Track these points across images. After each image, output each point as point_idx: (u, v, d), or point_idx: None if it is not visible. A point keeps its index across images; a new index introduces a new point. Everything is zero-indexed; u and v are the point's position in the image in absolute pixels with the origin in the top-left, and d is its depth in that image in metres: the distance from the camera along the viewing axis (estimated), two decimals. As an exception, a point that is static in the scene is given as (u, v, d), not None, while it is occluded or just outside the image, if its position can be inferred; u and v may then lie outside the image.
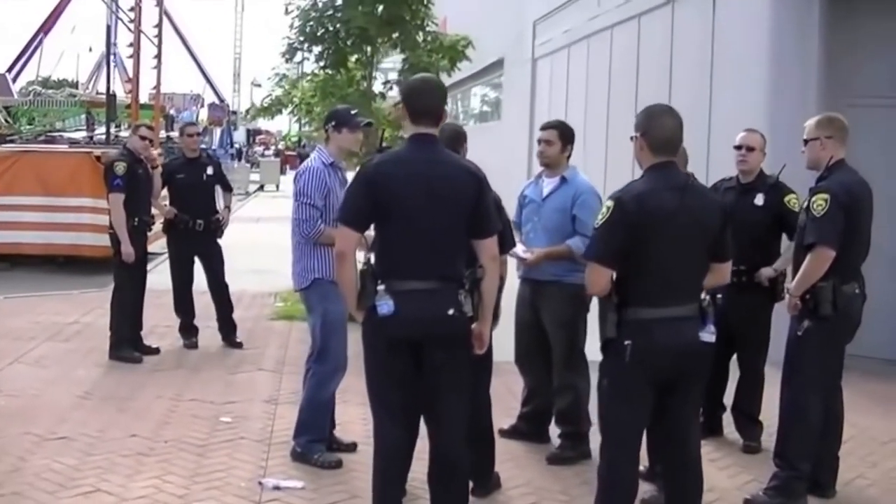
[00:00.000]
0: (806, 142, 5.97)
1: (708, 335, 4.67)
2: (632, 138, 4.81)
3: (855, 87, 9.80)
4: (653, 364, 4.55)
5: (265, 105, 13.43)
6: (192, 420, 7.27)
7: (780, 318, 7.14)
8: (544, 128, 6.85)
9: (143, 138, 9.35)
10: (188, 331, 9.91)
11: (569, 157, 6.76)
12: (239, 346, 9.88)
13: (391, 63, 14.31)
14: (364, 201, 4.73)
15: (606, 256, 4.56)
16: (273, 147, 68.91)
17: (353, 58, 12.49)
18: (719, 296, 4.98)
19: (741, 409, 7.07)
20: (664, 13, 13.20)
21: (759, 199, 6.87)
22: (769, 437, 6.93)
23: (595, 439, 6.56)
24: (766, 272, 6.76)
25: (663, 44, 13.20)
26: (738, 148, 6.99)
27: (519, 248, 6.42)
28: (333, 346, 6.36)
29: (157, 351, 9.40)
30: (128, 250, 8.98)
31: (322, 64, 12.52)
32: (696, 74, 12.03)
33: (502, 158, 19.80)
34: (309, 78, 12.83)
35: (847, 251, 5.70)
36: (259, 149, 65.33)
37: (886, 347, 8.22)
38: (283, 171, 45.14)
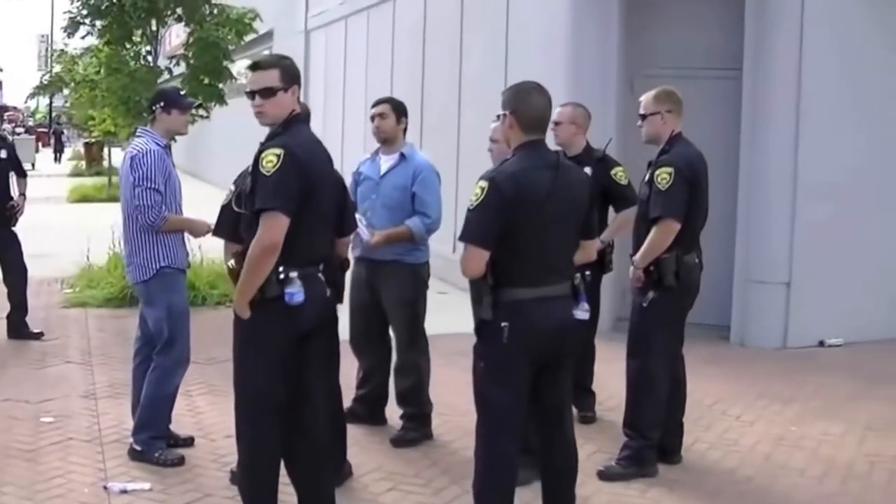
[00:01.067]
0: (644, 116, 6.07)
1: (582, 313, 4.69)
2: (498, 116, 4.75)
3: (651, 59, 10.10)
4: (530, 344, 4.52)
5: (45, 83, 12.72)
6: (11, 423, 6.80)
7: (606, 290, 7.38)
8: (375, 104, 6.72)
9: None
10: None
11: (405, 130, 6.66)
12: (38, 336, 9.32)
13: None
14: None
15: (483, 238, 4.48)
16: (21, 124, 65.73)
17: (139, 32, 11.96)
18: (588, 273, 5.02)
19: (575, 380, 7.13)
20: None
21: (588, 173, 6.93)
22: (600, 406, 7.13)
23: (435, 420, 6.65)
24: (595, 244, 6.84)
25: (452, 14, 13.24)
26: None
27: (362, 230, 6.28)
28: (180, 337, 6.07)
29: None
30: None
31: (106, 38, 11.92)
32: (490, 46, 12.14)
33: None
34: (92, 54, 12.17)
35: (688, 223, 5.85)
36: (8, 126, 62.22)
37: (705, 313, 8.51)
38: (36, 149, 43.14)
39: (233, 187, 5.82)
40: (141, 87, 11.46)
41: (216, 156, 29.94)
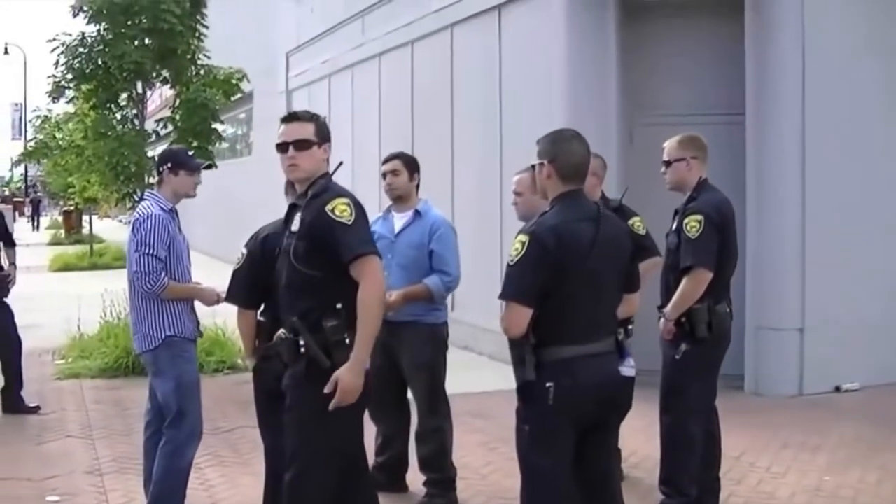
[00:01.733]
0: (668, 163, 5.92)
1: (628, 369, 4.48)
2: (533, 167, 4.56)
3: (650, 107, 10.00)
4: (576, 404, 4.30)
5: (30, 149, 12.49)
6: (16, 503, 6.51)
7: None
8: (386, 160, 6.52)
9: None
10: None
11: (417, 186, 6.47)
12: (34, 410, 9.02)
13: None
14: None
15: (526, 295, 4.27)
16: (-4, 193, 65.39)
17: (124, 95, 11.77)
18: (630, 327, 4.83)
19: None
20: (442, 38, 13.13)
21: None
22: (625, 464, 6.90)
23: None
24: (637, 297, 6.65)
25: (441, 71, 13.14)
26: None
27: None
28: (191, 410, 5.79)
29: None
30: None
31: (92, 102, 11.73)
32: (483, 102, 12.03)
33: (259, 193, 19.11)
34: (78, 119, 11.97)
35: (719, 271, 5.70)
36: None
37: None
38: (14, 219, 42.76)
39: (244, 251, 5.63)
40: (129, 151, 11.26)
41: (196, 222, 29.69)
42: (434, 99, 13.50)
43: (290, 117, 4.70)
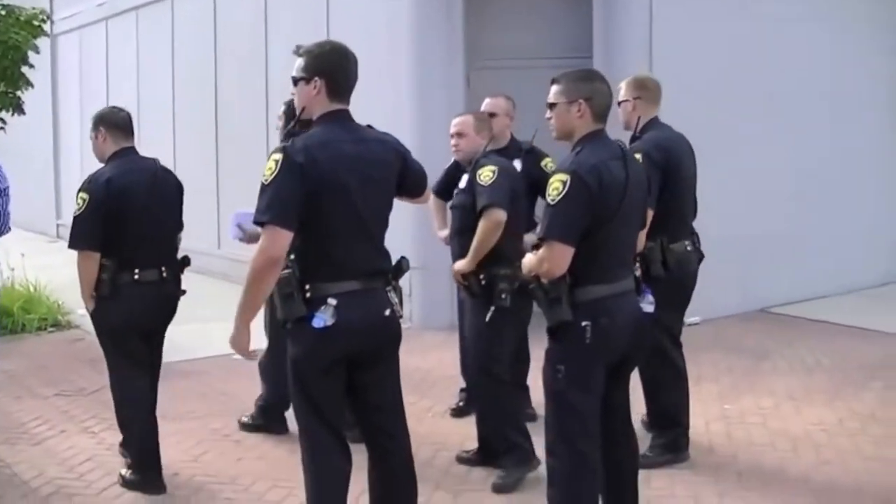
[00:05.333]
0: (619, 103, 6.00)
1: (648, 305, 4.55)
2: (552, 105, 4.48)
3: (487, 53, 10.11)
4: (610, 342, 4.33)
5: None
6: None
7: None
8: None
9: None
10: None
11: None
12: None
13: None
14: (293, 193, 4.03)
15: (569, 234, 4.22)
16: None
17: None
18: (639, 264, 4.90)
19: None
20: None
21: (517, 166, 6.81)
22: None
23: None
24: (530, 238, 6.70)
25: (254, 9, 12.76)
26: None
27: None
28: None
29: None
30: None
31: None
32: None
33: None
34: None
35: (668, 209, 5.78)
36: None
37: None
38: None
39: (85, 196, 5.51)
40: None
41: None
42: (242, 39, 13.08)
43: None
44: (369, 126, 4.32)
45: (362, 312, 4.12)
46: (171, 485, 5.79)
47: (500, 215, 5.66)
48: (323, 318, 4.05)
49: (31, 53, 11.16)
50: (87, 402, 7.44)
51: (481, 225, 5.68)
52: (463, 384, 6.96)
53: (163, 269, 5.69)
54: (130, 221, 5.56)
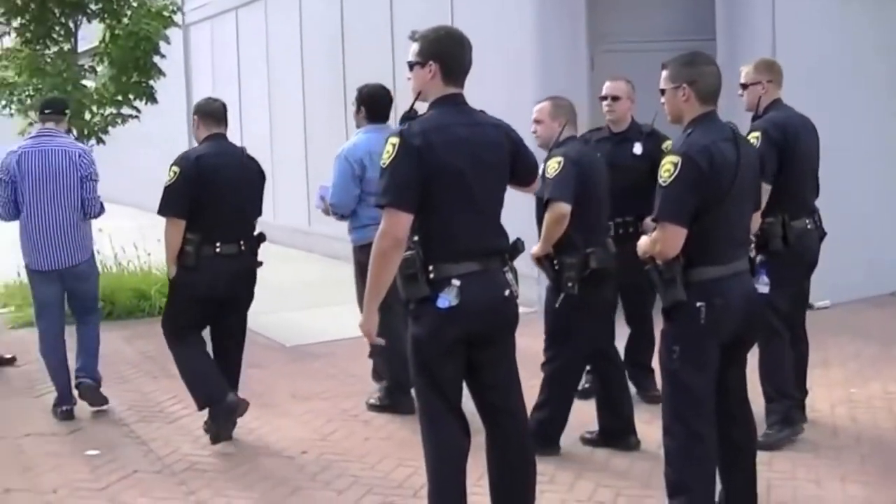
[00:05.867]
0: (745, 86, 6.05)
1: (763, 286, 4.58)
2: (663, 91, 4.52)
3: (611, 35, 10.09)
4: (725, 323, 4.35)
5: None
6: (57, 460, 6.22)
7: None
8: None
9: None
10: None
11: None
12: (11, 362, 8.62)
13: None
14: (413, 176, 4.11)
15: (681, 216, 4.28)
16: None
17: (58, 29, 11.23)
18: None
19: (634, 360, 6.98)
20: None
21: (638, 148, 6.84)
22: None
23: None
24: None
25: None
26: (604, 98, 6.92)
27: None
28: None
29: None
30: None
31: (27, 37, 11.16)
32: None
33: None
34: (12, 55, 11.33)
35: (786, 186, 5.76)
36: None
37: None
38: None
39: (176, 169, 6.13)
40: (73, 88, 10.83)
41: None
42: (369, 25, 13.25)
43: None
44: (482, 111, 4.37)
45: (483, 293, 4.20)
46: (299, 461, 6.02)
47: (562, 208, 5.71)
48: (447, 299, 4.13)
49: (162, 44, 11.49)
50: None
51: (546, 217, 5.77)
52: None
53: (241, 243, 6.22)
54: (215, 198, 6.11)
